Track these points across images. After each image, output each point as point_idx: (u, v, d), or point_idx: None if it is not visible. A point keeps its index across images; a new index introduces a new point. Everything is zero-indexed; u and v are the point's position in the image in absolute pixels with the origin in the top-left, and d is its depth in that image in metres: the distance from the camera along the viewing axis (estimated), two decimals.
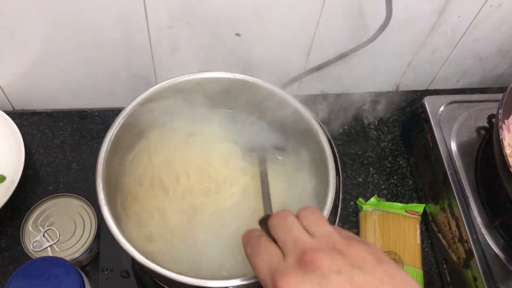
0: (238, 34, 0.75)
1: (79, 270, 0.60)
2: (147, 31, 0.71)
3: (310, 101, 0.70)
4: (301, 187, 0.64)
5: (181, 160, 0.64)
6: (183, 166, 0.63)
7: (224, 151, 0.64)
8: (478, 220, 0.70)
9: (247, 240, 0.45)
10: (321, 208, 0.56)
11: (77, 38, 0.72)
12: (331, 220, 0.60)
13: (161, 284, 0.60)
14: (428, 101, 0.81)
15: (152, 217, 0.60)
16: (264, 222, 0.46)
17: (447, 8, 0.75)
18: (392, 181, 0.86)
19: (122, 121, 0.59)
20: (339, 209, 0.61)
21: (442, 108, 0.80)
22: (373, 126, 0.91)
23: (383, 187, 0.85)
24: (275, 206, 0.57)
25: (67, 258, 0.66)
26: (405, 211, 0.79)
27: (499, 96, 0.67)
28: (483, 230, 0.69)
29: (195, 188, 0.62)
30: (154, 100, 0.62)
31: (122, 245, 0.51)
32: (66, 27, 0.70)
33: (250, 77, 0.65)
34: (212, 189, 0.62)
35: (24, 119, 0.86)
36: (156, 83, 0.82)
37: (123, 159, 0.63)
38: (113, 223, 0.52)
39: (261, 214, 0.53)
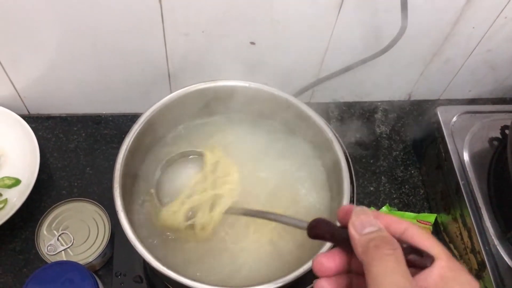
0: (252, 43, 0.75)
1: (94, 275, 0.60)
2: (163, 38, 0.72)
3: (322, 109, 0.71)
4: (314, 194, 0.65)
5: None
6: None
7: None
8: (491, 231, 0.70)
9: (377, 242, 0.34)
10: (334, 219, 0.56)
11: (92, 44, 0.73)
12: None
13: None
14: (441, 111, 0.81)
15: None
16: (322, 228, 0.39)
17: (462, 18, 0.76)
18: (403, 190, 0.86)
19: (139, 128, 0.60)
20: None
21: (455, 119, 0.80)
22: (385, 135, 0.91)
23: (394, 196, 0.85)
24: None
25: (81, 262, 0.67)
26: (417, 221, 0.79)
27: None
28: (496, 242, 0.69)
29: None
30: (170, 107, 0.63)
31: (140, 252, 0.51)
32: (82, 33, 0.71)
33: (266, 86, 0.65)
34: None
35: (39, 123, 0.87)
36: (171, 90, 0.83)
37: (140, 165, 0.64)
38: (130, 230, 0.53)
39: None
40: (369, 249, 0.33)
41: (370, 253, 0.33)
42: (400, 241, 0.35)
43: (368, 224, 0.35)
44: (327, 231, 0.38)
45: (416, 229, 0.35)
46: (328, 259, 0.37)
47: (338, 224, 0.39)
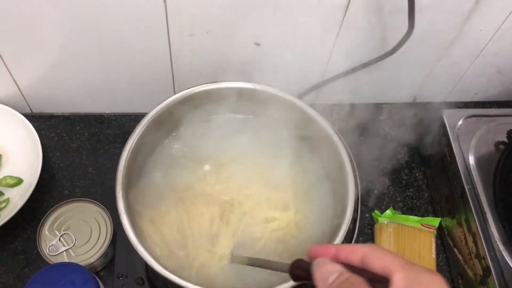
0: (257, 44, 0.75)
1: (96, 277, 0.60)
2: (168, 38, 0.71)
3: (327, 110, 0.70)
4: (319, 197, 0.64)
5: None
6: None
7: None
8: (496, 236, 0.69)
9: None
10: (340, 221, 0.56)
11: (96, 44, 0.72)
12: (350, 233, 0.59)
13: None
14: (446, 115, 0.80)
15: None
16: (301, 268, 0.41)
17: (469, 21, 0.75)
18: (408, 193, 0.85)
19: (143, 129, 0.59)
20: (358, 222, 0.61)
21: (460, 122, 0.80)
22: (389, 138, 0.91)
23: (398, 199, 0.84)
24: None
25: (82, 263, 0.67)
26: (421, 225, 0.78)
27: None
28: (501, 247, 0.68)
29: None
30: (174, 108, 0.62)
31: (142, 255, 0.51)
32: (86, 33, 0.70)
33: (270, 88, 0.65)
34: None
35: (42, 122, 0.86)
36: (175, 90, 0.83)
37: (143, 166, 0.63)
38: (132, 232, 0.52)
39: None
40: None
41: None
42: (362, 269, 0.37)
43: (329, 273, 0.37)
44: (306, 270, 0.40)
45: (371, 251, 0.37)
46: None
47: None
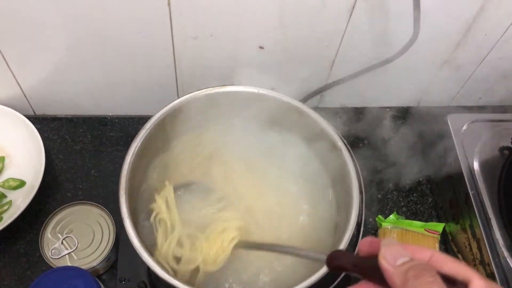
0: (261, 47, 0.75)
1: (98, 281, 0.60)
2: (171, 41, 0.71)
3: (330, 114, 0.70)
4: (323, 203, 0.64)
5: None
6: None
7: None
8: (501, 242, 0.69)
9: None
10: (345, 226, 0.56)
11: (100, 46, 0.72)
12: (354, 238, 0.59)
13: None
14: (451, 119, 0.80)
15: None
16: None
17: (474, 26, 0.74)
18: (411, 198, 0.85)
19: (146, 133, 0.59)
20: (362, 227, 0.61)
21: (465, 127, 0.79)
22: (393, 142, 0.90)
23: (402, 204, 0.84)
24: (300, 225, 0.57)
25: (85, 267, 0.66)
26: (425, 230, 0.78)
27: None
28: (506, 253, 0.68)
29: None
30: (178, 112, 0.62)
31: (144, 260, 0.50)
32: (90, 35, 0.70)
33: (274, 92, 0.65)
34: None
35: (45, 124, 0.86)
36: (178, 94, 0.83)
37: (146, 170, 0.63)
38: (135, 237, 0.52)
39: None
40: (409, 280, 0.33)
41: (411, 284, 0.33)
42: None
43: (399, 255, 0.35)
44: (349, 262, 0.38)
45: (441, 255, 0.35)
46: None
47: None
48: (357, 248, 0.39)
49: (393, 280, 0.34)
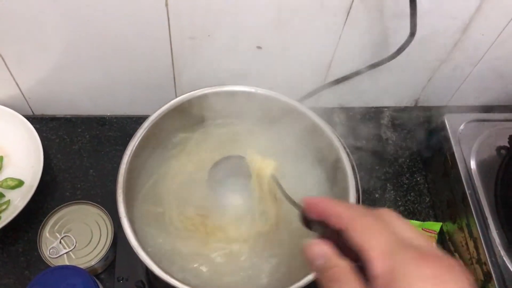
0: (259, 47, 0.75)
1: (96, 280, 0.60)
2: (169, 42, 0.71)
3: (328, 114, 0.70)
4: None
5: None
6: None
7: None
8: (497, 241, 0.69)
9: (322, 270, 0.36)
10: None
11: (98, 47, 0.72)
12: None
13: None
14: (448, 119, 0.80)
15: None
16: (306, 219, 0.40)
17: (471, 26, 0.75)
18: (409, 197, 0.85)
19: (144, 132, 0.59)
20: None
21: (462, 126, 0.80)
22: (391, 141, 0.91)
23: (399, 203, 0.84)
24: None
25: (83, 266, 0.67)
26: (422, 229, 0.78)
27: None
28: (502, 252, 0.68)
29: None
30: (176, 111, 0.62)
31: (142, 259, 0.51)
32: (88, 35, 0.70)
33: (272, 92, 0.65)
34: None
35: (43, 124, 0.86)
36: (176, 94, 0.83)
37: (143, 169, 0.63)
38: (133, 236, 0.52)
39: None
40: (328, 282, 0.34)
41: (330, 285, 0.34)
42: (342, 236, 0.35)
43: (316, 255, 0.36)
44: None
45: (356, 221, 0.35)
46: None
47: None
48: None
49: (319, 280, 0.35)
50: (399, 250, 0.33)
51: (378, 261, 0.33)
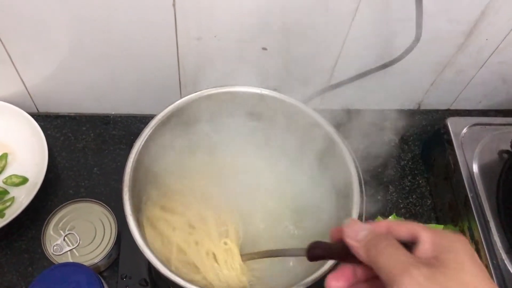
0: (264, 48, 0.75)
1: (100, 277, 0.60)
2: (176, 42, 0.72)
3: (331, 115, 0.71)
4: (323, 205, 0.64)
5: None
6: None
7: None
8: (499, 245, 0.70)
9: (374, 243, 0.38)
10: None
11: (104, 46, 0.73)
12: None
13: None
14: (451, 122, 0.81)
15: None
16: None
17: (475, 30, 0.75)
18: (411, 200, 0.85)
19: (150, 131, 0.60)
20: None
21: (465, 130, 0.80)
22: (393, 144, 0.91)
23: (401, 205, 0.85)
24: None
25: (86, 263, 0.67)
26: None
27: None
28: (504, 256, 0.69)
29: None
30: (181, 111, 0.62)
31: (148, 257, 0.51)
32: (95, 34, 0.71)
33: (277, 93, 0.65)
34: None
35: (48, 122, 0.87)
36: (181, 93, 0.83)
37: (149, 169, 0.63)
38: (138, 234, 0.52)
39: None
40: (370, 249, 0.37)
41: (372, 252, 0.37)
42: None
43: (359, 229, 0.39)
44: (325, 249, 0.42)
45: (396, 222, 0.39)
46: (336, 279, 0.40)
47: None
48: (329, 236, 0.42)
49: (359, 253, 0.38)
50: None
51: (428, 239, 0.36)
